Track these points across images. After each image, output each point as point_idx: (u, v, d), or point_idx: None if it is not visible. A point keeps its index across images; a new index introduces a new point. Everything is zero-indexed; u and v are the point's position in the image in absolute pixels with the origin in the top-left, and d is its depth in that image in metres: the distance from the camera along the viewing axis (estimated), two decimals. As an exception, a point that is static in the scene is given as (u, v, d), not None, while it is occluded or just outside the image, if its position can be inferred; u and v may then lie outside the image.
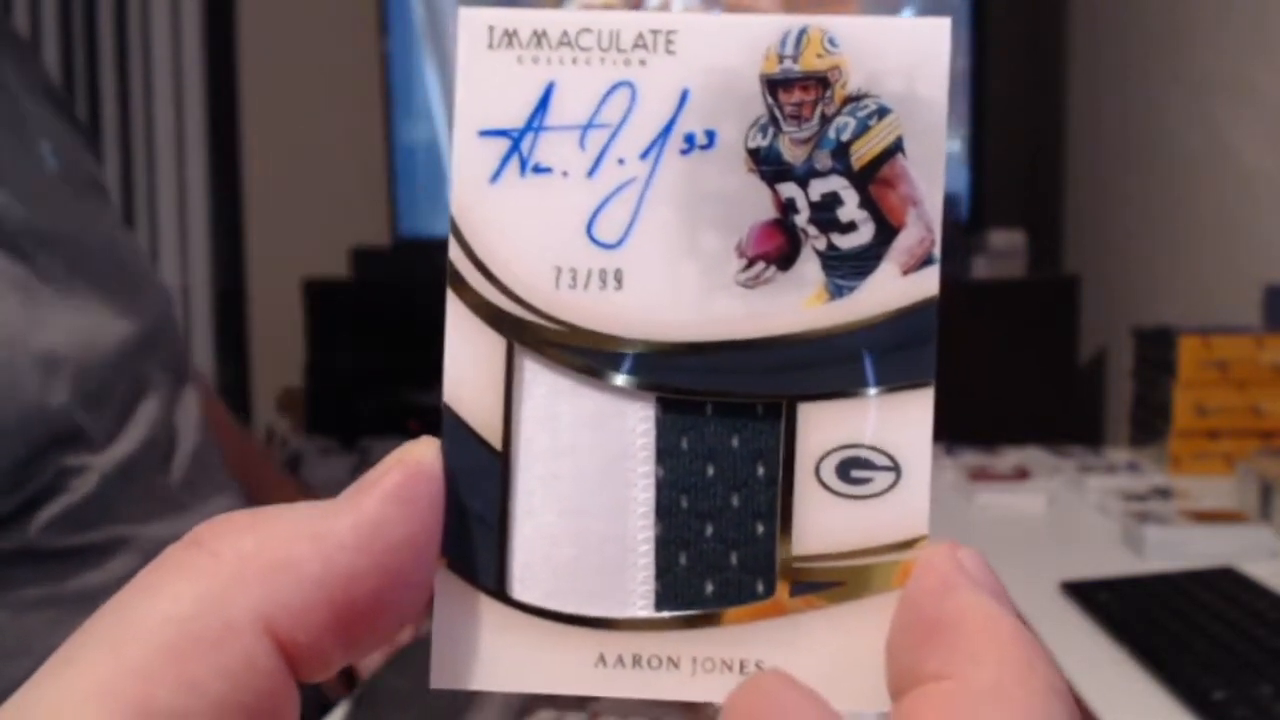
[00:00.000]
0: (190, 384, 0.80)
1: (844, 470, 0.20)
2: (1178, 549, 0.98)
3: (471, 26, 0.20)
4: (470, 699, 0.82)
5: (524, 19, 0.20)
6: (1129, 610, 0.84)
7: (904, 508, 0.19)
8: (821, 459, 0.20)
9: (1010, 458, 1.34)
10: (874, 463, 0.19)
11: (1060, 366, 1.88)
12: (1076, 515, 1.16)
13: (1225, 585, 0.87)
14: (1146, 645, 0.78)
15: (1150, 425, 1.36)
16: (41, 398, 0.64)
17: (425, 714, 0.77)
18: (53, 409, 0.64)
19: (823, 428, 0.20)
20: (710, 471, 0.20)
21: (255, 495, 0.95)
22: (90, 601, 0.65)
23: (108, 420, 0.69)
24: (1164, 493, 1.15)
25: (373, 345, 2.22)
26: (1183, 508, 1.07)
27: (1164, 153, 1.75)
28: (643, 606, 0.20)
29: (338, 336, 2.22)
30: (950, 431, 1.08)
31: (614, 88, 0.20)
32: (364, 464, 2.08)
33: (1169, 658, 0.75)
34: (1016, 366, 1.81)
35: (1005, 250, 1.92)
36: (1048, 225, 2.14)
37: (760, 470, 0.20)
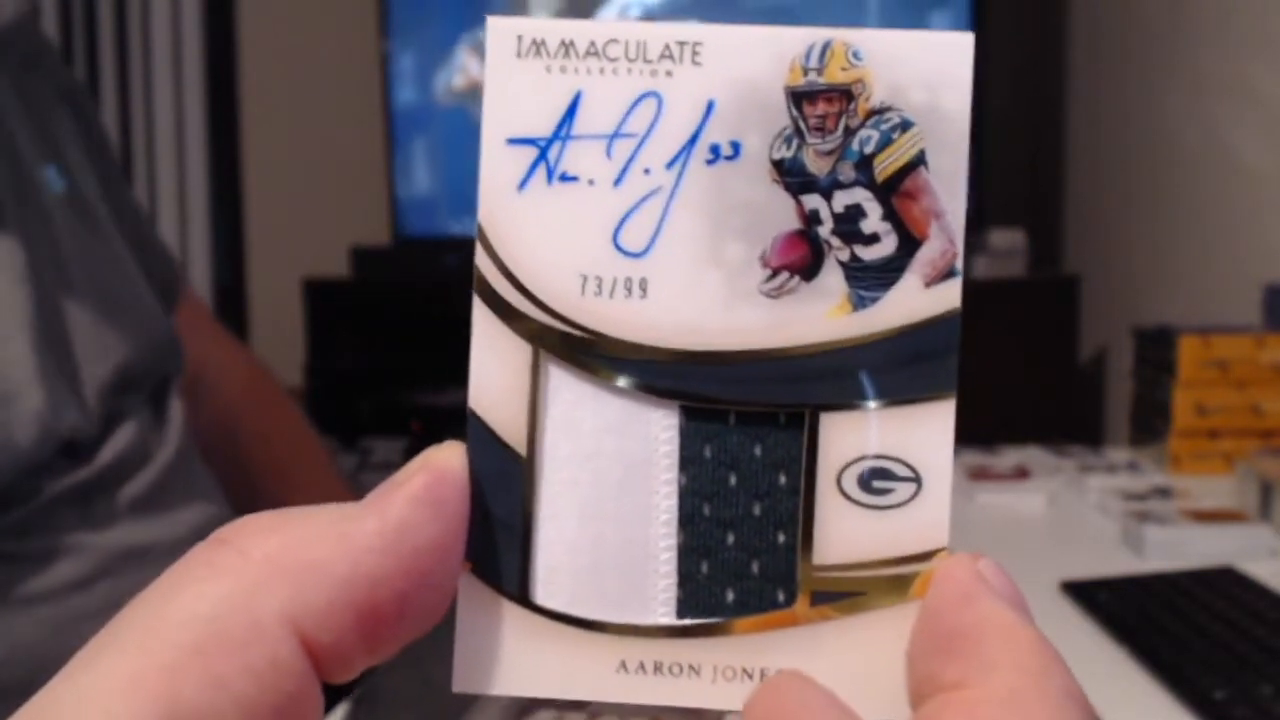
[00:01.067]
0: (176, 398, 0.79)
1: (865, 481, 0.20)
2: (1178, 549, 0.98)
3: (500, 35, 0.20)
4: (470, 699, 0.82)
5: (552, 28, 0.20)
6: (1129, 610, 0.84)
7: (924, 519, 0.20)
8: (843, 469, 0.20)
9: (1010, 457, 1.34)
10: (895, 473, 0.20)
11: (1060, 366, 1.88)
12: (1076, 515, 1.16)
13: (1225, 585, 0.87)
14: (1146, 645, 0.78)
15: (1150, 425, 1.36)
16: (35, 454, 0.63)
17: (425, 714, 0.77)
18: (40, 459, 0.64)
19: (845, 438, 0.20)
20: (732, 480, 0.20)
21: (287, 469, 0.95)
22: (37, 604, 0.65)
23: (80, 454, 0.68)
24: (1164, 492, 1.15)
25: (373, 345, 2.22)
26: (1183, 507, 1.07)
27: (1164, 153, 1.75)
28: (664, 614, 0.20)
29: (338, 336, 2.22)
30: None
31: (641, 98, 0.20)
32: (364, 464, 2.07)
33: (1169, 658, 0.75)
34: (1016, 366, 1.81)
35: (1005, 250, 1.92)
36: (1048, 225, 2.15)
37: (782, 479, 0.20)
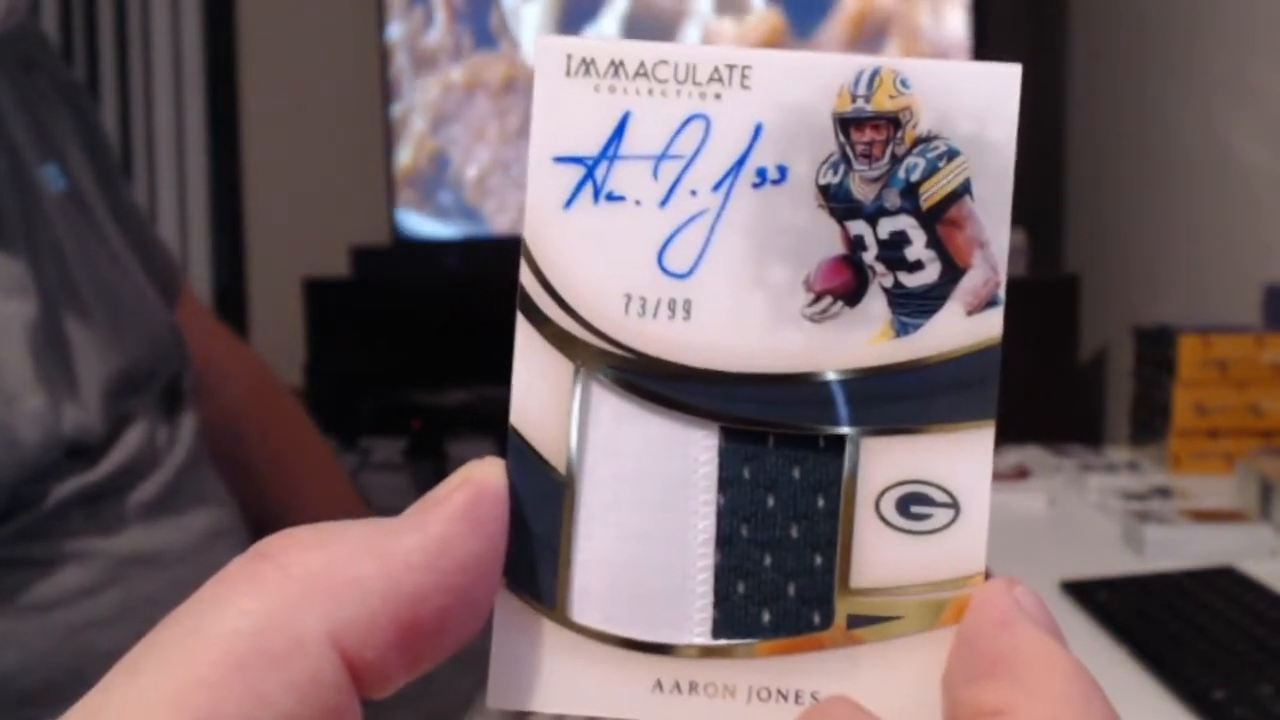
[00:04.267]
0: (187, 399, 0.78)
1: (904, 505, 0.20)
2: (1178, 548, 0.98)
3: (550, 54, 0.20)
4: (470, 700, 0.82)
5: (602, 49, 0.20)
6: (1129, 610, 0.84)
7: (961, 545, 0.20)
8: (882, 493, 0.20)
9: (1010, 457, 1.34)
10: (933, 499, 0.20)
11: (1060, 366, 1.88)
12: (1076, 514, 1.16)
13: (1225, 585, 0.87)
14: (1146, 645, 0.78)
15: (1150, 424, 1.36)
16: (40, 456, 0.63)
17: (425, 714, 0.77)
18: (46, 461, 0.64)
19: (884, 463, 0.20)
20: (771, 502, 0.20)
21: (292, 475, 0.95)
22: (47, 611, 0.64)
23: (88, 458, 0.67)
24: (1164, 492, 1.16)
25: (373, 345, 2.22)
26: (1183, 507, 1.07)
27: (1164, 153, 1.75)
28: (700, 634, 0.20)
29: (338, 336, 2.22)
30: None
31: (689, 120, 0.20)
32: (364, 464, 2.06)
33: (1169, 657, 0.75)
34: (1016, 366, 1.80)
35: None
36: (1048, 225, 2.15)
37: (820, 502, 0.20)
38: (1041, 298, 1.90)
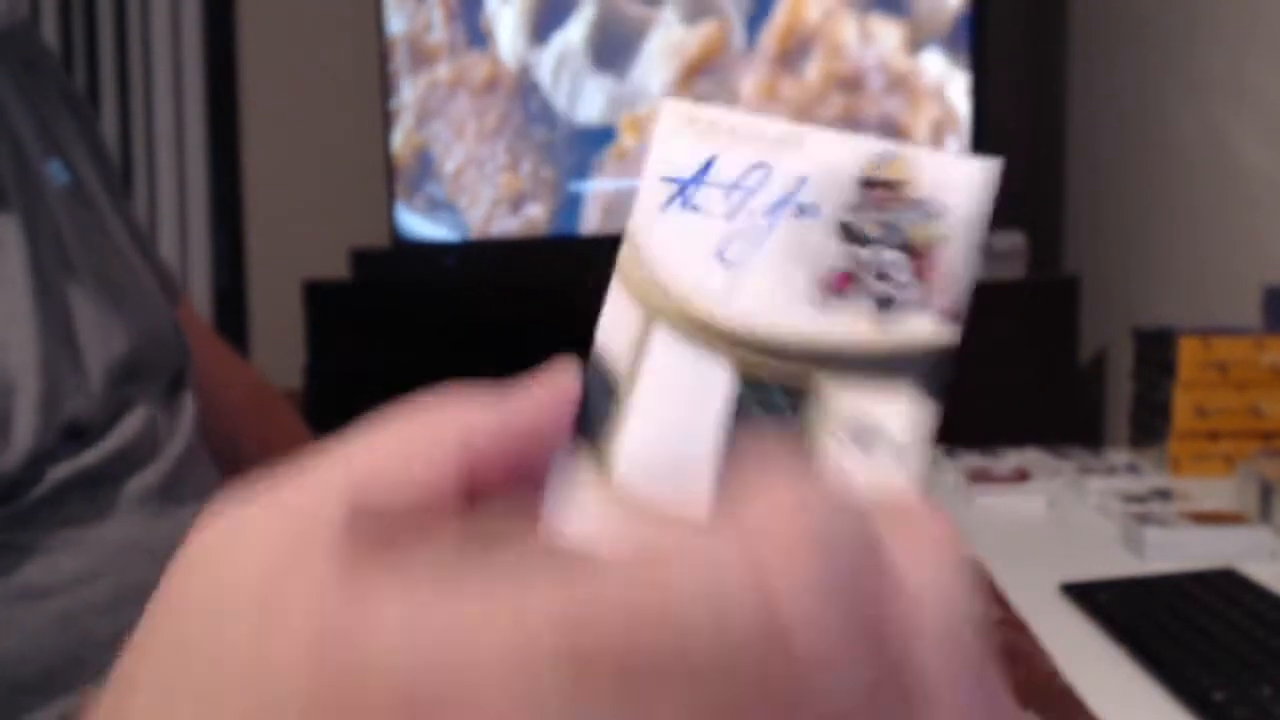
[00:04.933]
0: (187, 391, 0.79)
1: (856, 435, 0.27)
2: (1178, 550, 0.98)
3: (671, 110, 0.29)
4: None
5: (706, 113, 0.29)
6: (1129, 611, 0.84)
7: (897, 476, 0.26)
8: (842, 423, 0.27)
9: (1010, 459, 1.34)
10: (881, 437, 0.27)
11: (1060, 367, 1.88)
12: (1076, 517, 1.16)
13: (1225, 586, 0.87)
14: (1146, 646, 0.78)
15: (1150, 426, 1.36)
16: (38, 444, 0.63)
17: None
18: (43, 450, 0.64)
19: (850, 406, 0.27)
20: (762, 416, 0.28)
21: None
22: (44, 597, 0.64)
23: (85, 439, 0.67)
24: (1164, 494, 1.16)
25: (373, 346, 2.22)
26: (1183, 509, 1.07)
27: (1164, 153, 1.75)
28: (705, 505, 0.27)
29: (338, 338, 2.22)
30: (950, 433, 1.07)
31: (755, 166, 0.28)
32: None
33: (1169, 658, 0.75)
34: (1016, 367, 1.81)
35: (1005, 251, 1.92)
36: (1048, 225, 2.15)
37: (797, 426, 0.28)
38: (1041, 298, 1.90)
